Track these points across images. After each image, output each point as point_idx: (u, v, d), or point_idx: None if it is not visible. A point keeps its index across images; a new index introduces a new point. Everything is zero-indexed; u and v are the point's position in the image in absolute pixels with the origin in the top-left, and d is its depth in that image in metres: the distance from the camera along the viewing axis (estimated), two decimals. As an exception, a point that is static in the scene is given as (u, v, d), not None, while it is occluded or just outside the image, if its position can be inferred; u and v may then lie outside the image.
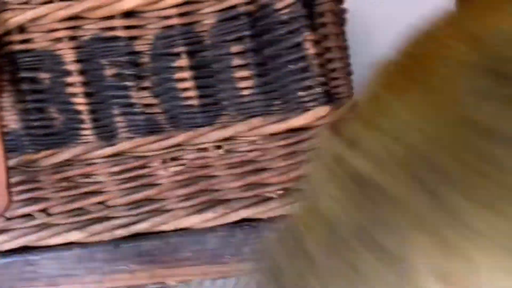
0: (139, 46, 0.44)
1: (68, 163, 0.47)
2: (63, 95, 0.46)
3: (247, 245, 0.45)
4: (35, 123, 0.46)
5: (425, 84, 0.17)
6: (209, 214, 0.45)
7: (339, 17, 0.50)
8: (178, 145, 0.45)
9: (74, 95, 0.46)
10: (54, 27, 0.44)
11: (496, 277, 0.14)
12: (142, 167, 0.46)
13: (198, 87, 0.44)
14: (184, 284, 0.47)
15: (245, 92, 0.43)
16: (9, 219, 0.48)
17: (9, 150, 0.45)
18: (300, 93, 0.43)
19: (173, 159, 0.45)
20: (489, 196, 0.14)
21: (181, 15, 0.43)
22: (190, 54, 0.43)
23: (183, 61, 0.44)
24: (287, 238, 0.19)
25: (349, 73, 0.59)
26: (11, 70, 0.45)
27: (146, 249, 0.46)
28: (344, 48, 0.52)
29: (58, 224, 0.47)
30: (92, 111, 0.46)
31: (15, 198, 0.46)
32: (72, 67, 0.45)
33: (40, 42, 0.45)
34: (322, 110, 0.42)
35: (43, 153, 0.46)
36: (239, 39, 0.43)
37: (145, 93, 0.45)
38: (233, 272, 0.45)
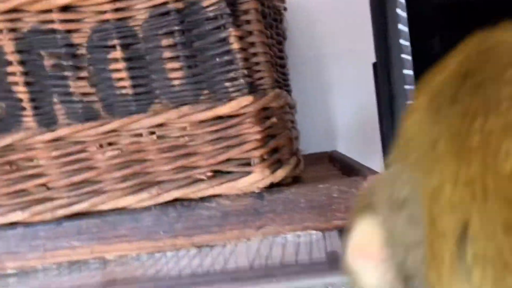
0: (76, 38, 0.47)
1: (10, 147, 0.49)
2: (4, 84, 0.48)
3: (179, 223, 0.49)
4: (-22, 110, 0.49)
5: None
6: (144, 195, 0.49)
7: (268, 14, 0.54)
8: (114, 131, 0.48)
9: (15, 84, 0.48)
10: (-6, 19, 0.47)
11: None
12: (81, 151, 0.49)
13: (131, 77, 0.47)
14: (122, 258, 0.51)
15: (176, 82, 0.47)
16: (-46, 200, 0.50)
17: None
18: (226, 84, 0.47)
19: (110, 144, 0.49)
20: None
21: (115, 10, 0.46)
22: (124, 46, 0.47)
23: (118, 53, 0.47)
24: None
25: (282, 65, 0.64)
26: (-47, 60, 0.48)
27: (86, 227, 0.50)
28: (275, 44, 0.56)
29: (1, 205, 0.50)
30: (32, 99, 0.49)
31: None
32: (12, 57, 0.48)
33: (-19, 33, 0.47)
34: (246, 100, 0.47)
35: (-15, 139, 0.49)
36: (169, 33, 0.46)
37: (82, 83, 0.48)
38: (167, 247, 0.49)
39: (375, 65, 0.50)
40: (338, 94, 0.94)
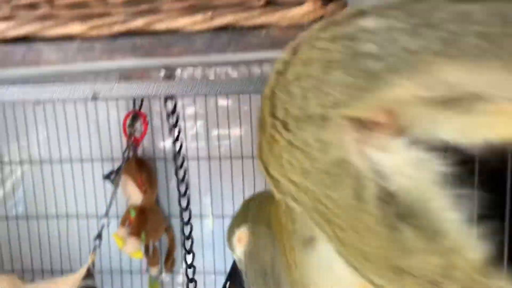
0: None
1: (72, -43, 0.51)
2: None
3: (229, 47, 0.52)
4: None
5: None
6: (198, 17, 0.51)
7: None
8: None
9: None
10: None
11: None
12: (141, -34, 0.50)
13: None
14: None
15: None
16: (14, 6, 0.52)
17: None
18: None
19: (170, -38, 0.50)
20: None
21: None
22: None
23: None
24: None
25: None
26: None
27: (140, 44, 0.52)
28: None
29: (62, 16, 0.53)
30: None
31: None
32: None
33: None
34: None
35: None
36: None
37: None
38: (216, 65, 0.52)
39: None
40: None
